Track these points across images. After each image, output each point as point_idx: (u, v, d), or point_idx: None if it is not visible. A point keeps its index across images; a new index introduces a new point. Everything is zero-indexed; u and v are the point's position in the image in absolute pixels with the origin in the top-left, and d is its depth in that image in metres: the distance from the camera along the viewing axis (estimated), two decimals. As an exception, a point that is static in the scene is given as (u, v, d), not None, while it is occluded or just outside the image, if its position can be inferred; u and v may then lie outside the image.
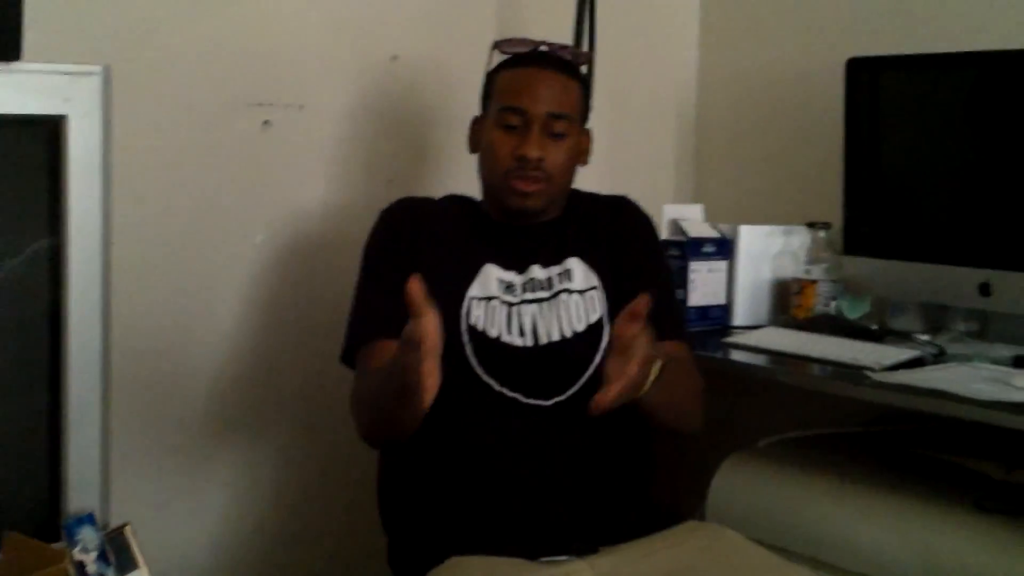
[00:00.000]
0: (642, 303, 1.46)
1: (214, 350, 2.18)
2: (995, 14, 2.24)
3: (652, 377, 1.53)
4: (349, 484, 2.28)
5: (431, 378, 1.41)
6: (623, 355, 1.48)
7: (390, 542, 1.86)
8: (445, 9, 2.43)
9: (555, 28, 2.15)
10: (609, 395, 1.46)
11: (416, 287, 1.40)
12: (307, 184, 2.27)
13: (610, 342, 1.54)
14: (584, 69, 1.99)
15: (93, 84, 2.00)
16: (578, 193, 1.95)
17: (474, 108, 1.94)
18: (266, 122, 2.20)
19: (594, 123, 1.95)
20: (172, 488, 2.16)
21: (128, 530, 1.93)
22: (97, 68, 2.00)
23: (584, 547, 1.69)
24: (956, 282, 2.10)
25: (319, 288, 2.27)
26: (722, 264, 2.36)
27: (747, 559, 1.69)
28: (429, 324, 1.41)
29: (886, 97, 2.27)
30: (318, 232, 2.28)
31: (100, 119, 2.02)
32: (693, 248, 2.33)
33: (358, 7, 2.30)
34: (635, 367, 1.46)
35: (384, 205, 1.92)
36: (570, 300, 1.84)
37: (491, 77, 1.91)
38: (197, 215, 2.14)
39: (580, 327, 1.83)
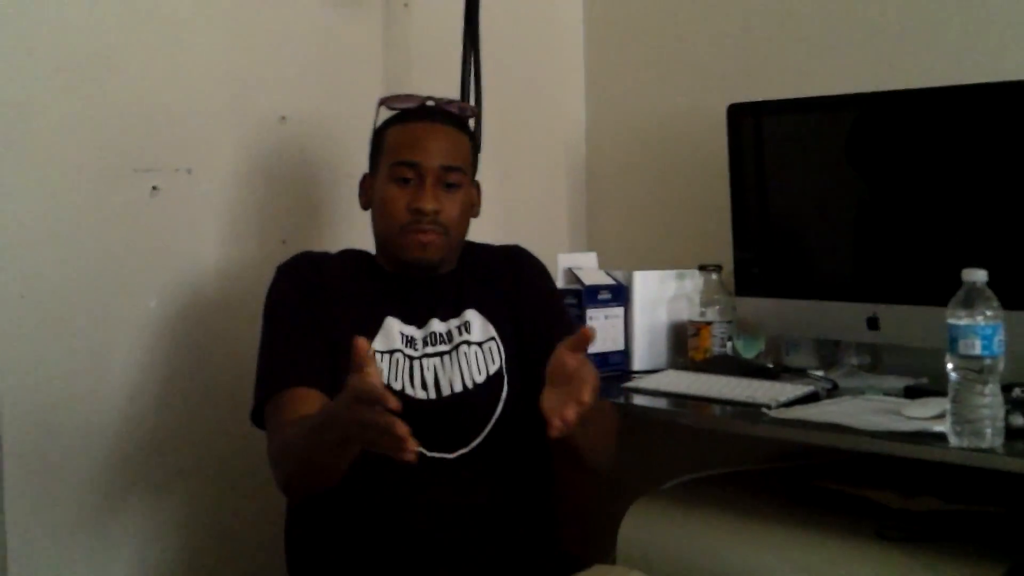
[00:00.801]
0: (587, 335, 1.49)
1: (109, 418, 2.13)
2: (869, 58, 2.31)
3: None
4: (254, 543, 2.24)
5: (402, 426, 1.39)
6: (566, 385, 1.50)
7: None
8: (332, 69, 2.43)
9: (441, 84, 2.17)
10: (569, 415, 1.46)
11: (363, 342, 1.41)
12: (200, 247, 2.24)
13: (547, 370, 1.56)
14: (472, 123, 2.02)
15: (-26, 155, 1.96)
16: (472, 245, 1.97)
17: (364, 165, 1.94)
18: (155, 187, 2.17)
19: (486, 175, 1.97)
20: (72, 561, 2.09)
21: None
22: (-23, 139, 1.96)
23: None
24: (845, 317, 2.15)
25: (216, 350, 2.25)
26: (619, 310, 2.39)
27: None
28: (376, 378, 1.41)
29: (768, 140, 2.33)
30: (213, 295, 2.25)
31: (-18, 190, 1.98)
32: (589, 296, 2.35)
33: (245, 68, 2.29)
34: (588, 393, 1.47)
35: (278, 263, 1.91)
36: (470, 352, 1.85)
37: (380, 133, 1.92)
38: (87, 282, 2.09)
39: (480, 379, 1.84)
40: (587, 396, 1.47)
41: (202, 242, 2.25)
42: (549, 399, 1.53)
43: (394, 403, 1.37)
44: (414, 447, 1.39)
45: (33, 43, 2.02)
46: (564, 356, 1.52)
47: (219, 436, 2.24)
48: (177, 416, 2.21)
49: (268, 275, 1.90)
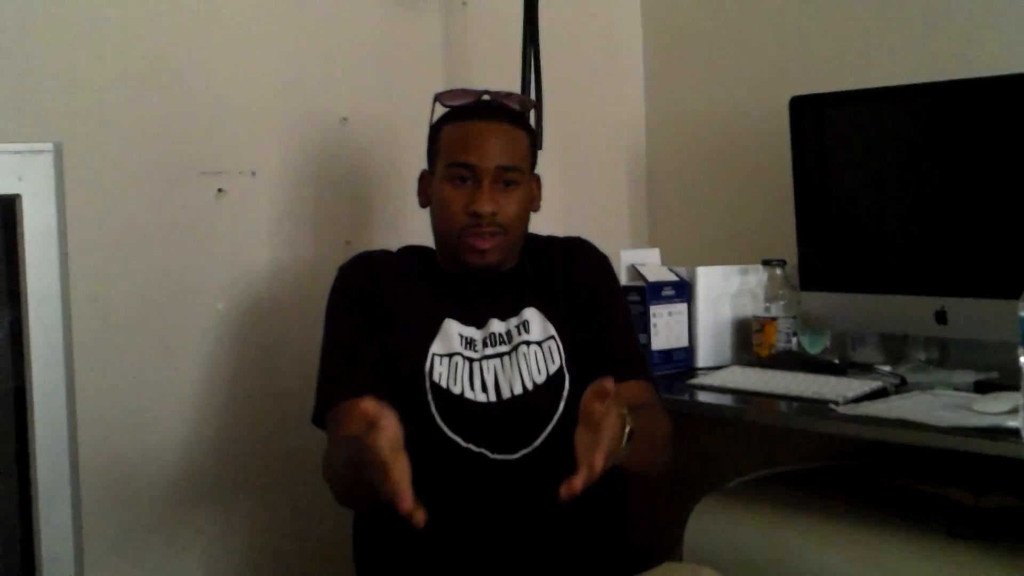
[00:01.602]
0: (608, 385, 1.44)
1: (180, 421, 2.17)
2: (931, 48, 2.28)
3: (624, 444, 1.50)
4: (324, 546, 2.27)
5: (406, 501, 1.37)
6: (592, 429, 1.45)
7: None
8: (392, 69, 2.44)
9: (501, 82, 2.17)
10: (575, 486, 1.41)
11: (368, 405, 1.38)
12: (265, 249, 2.27)
13: (579, 409, 1.51)
14: (532, 115, 1.99)
15: (45, 162, 2.00)
16: (534, 237, 1.95)
17: (424, 164, 1.94)
18: (220, 190, 2.20)
19: (546, 172, 1.97)
20: (145, 563, 2.13)
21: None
22: (48, 146, 2.00)
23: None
24: (912, 311, 2.12)
25: (283, 351, 2.27)
26: (682, 307, 2.38)
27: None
28: (388, 433, 1.38)
29: (831, 133, 2.31)
30: (278, 296, 2.28)
31: (54, 196, 2.01)
32: (653, 292, 2.34)
33: (305, 71, 2.32)
34: (600, 461, 1.41)
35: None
36: (529, 352, 1.84)
37: (435, 131, 1.90)
38: (156, 285, 2.13)
39: (540, 379, 1.83)
40: (598, 465, 1.41)
41: (267, 244, 2.27)
42: (581, 442, 1.47)
43: (398, 473, 1.36)
44: (420, 519, 1.37)
45: (99, 50, 2.06)
46: (590, 401, 1.46)
47: (284, 437, 2.26)
48: (244, 418, 2.24)
49: (332, 276, 1.91)
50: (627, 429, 1.50)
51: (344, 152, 2.38)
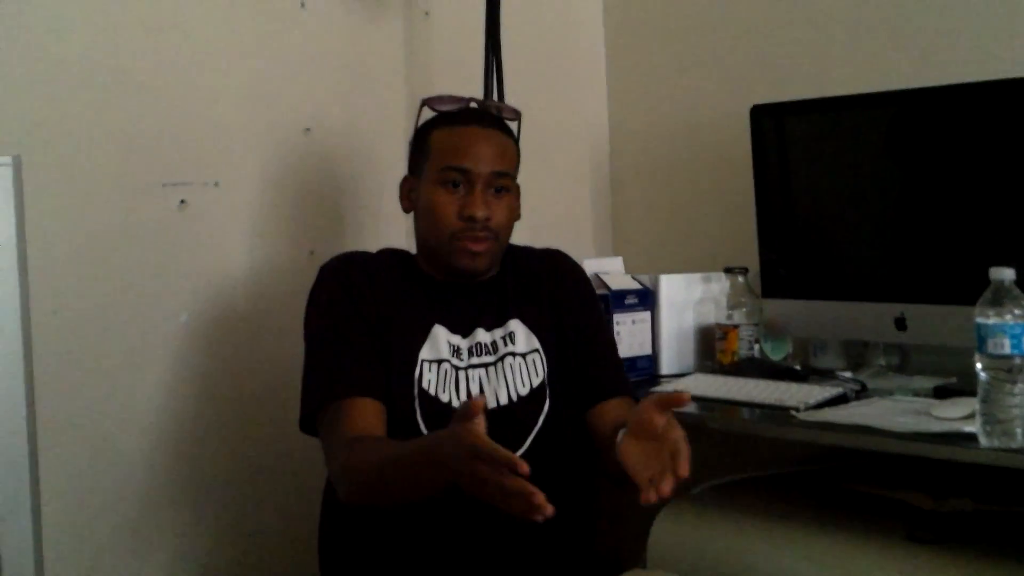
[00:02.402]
0: (683, 398, 1.48)
1: (143, 431, 2.16)
2: (891, 57, 2.31)
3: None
4: (289, 548, 2.27)
5: (539, 494, 1.33)
6: (653, 442, 1.48)
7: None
8: (354, 80, 2.45)
9: (464, 91, 2.17)
10: (665, 489, 1.43)
11: (481, 400, 1.40)
12: (228, 260, 2.26)
13: (630, 419, 1.54)
14: (515, 124, 2.00)
15: (4, 175, 1.98)
16: (513, 248, 1.96)
17: (388, 173, 1.94)
18: (183, 201, 2.19)
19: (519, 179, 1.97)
20: (108, 566, 2.12)
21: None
22: (7, 159, 1.98)
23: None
24: (873, 318, 2.15)
25: (247, 360, 2.27)
26: (645, 315, 2.39)
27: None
28: (483, 430, 1.38)
29: (792, 141, 2.32)
30: (242, 307, 2.27)
31: (13, 209, 1.99)
32: (616, 300, 2.35)
33: (268, 82, 2.31)
34: (686, 467, 1.44)
35: (307, 275, 1.90)
36: (515, 363, 1.84)
37: (423, 135, 1.89)
38: (118, 298, 2.12)
39: (524, 391, 1.84)
40: (685, 470, 1.44)
41: (230, 254, 2.27)
42: (633, 453, 1.50)
43: (525, 468, 1.33)
44: (549, 510, 1.33)
45: (60, 61, 2.05)
46: (651, 412, 1.49)
47: (250, 443, 2.27)
48: (209, 426, 2.24)
49: (296, 286, 1.91)
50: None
51: (307, 162, 2.38)
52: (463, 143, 1.83)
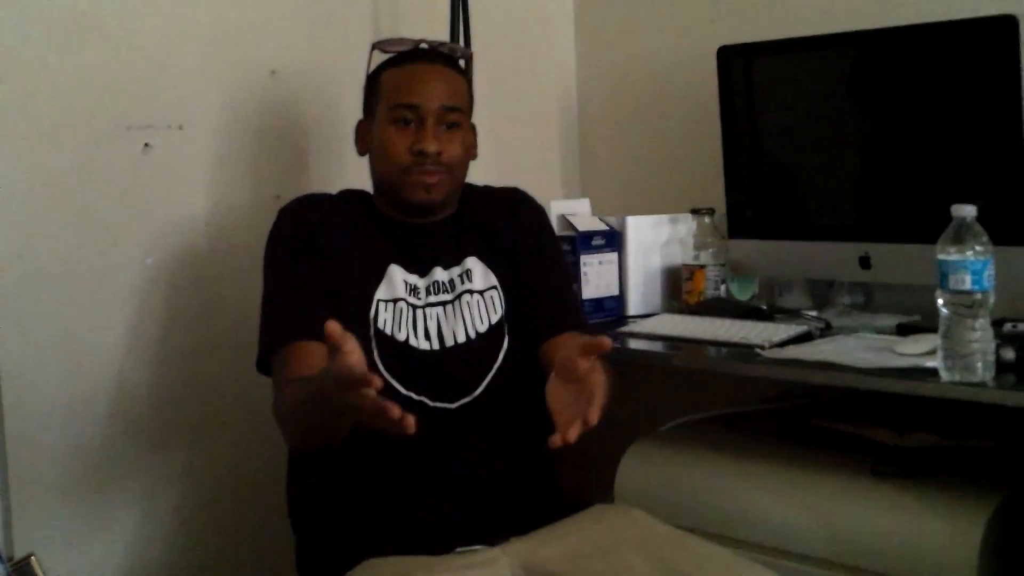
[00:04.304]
0: (604, 344, 1.46)
1: (108, 374, 2.15)
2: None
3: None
4: (256, 493, 2.27)
5: (393, 408, 1.36)
6: (574, 386, 1.48)
7: (299, 545, 1.86)
8: (321, 21, 2.42)
9: (431, 30, 2.16)
10: (571, 435, 1.43)
11: (334, 326, 1.37)
12: (193, 203, 2.25)
13: (556, 362, 1.54)
14: (463, 65, 2.01)
15: (-36, 118, 1.97)
16: (471, 187, 1.96)
17: (354, 117, 1.94)
18: (147, 144, 2.17)
19: (478, 121, 1.97)
20: (75, 515, 2.12)
21: (33, 560, 1.88)
22: (-32, 102, 1.96)
23: (496, 539, 1.71)
24: (837, 257, 2.17)
25: (212, 304, 2.26)
26: (613, 256, 2.40)
27: (655, 534, 1.71)
28: (354, 357, 1.37)
29: (758, 82, 2.33)
30: (207, 250, 2.26)
31: (-26, 153, 1.98)
32: (583, 242, 2.36)
33: (233, 24, 2.29)
34: (596, 414, 1.44)
35: (272, 219, 1.90)
36: (472, 301, 1.85)
37: (374, 78, 1.90)
38: (83, 241, 2.10)
39: (483, 328, 1.84)
40: (595, 417, 1.44)
41: (195, 198, 2.25)
42: (556, 396, 1.51)
43: (377, 383, 1.35)
44: (411, 424, 1.36)
45: (19, 3, 2.01)
46: (575, 356, 1.48)
47: (217, 388, 2.26)
48: (175, 370, 2.23)
49: (262, 229, 1.90)
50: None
51: (273, 105, 2.36)
52: (411, 80, 1.84)
